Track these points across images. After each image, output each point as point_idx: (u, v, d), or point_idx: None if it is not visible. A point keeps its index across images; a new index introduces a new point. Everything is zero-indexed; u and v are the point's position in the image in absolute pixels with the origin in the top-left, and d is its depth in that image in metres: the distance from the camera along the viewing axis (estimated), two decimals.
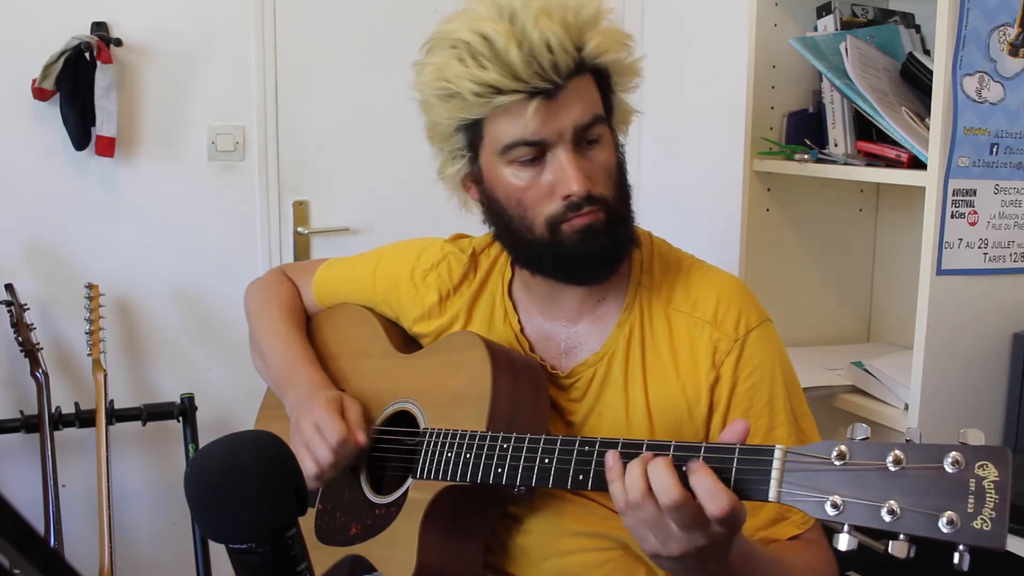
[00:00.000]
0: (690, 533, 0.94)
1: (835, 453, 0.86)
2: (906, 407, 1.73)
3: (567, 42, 1.15)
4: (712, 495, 0.91)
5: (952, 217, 1.64)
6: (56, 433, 2.32)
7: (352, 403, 1.32)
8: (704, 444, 0.96)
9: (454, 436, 1.19)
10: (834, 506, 0.85)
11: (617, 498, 0.98)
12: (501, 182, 1.22)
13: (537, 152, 1.18)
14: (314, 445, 1.26)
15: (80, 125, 2.40)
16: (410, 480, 1.25)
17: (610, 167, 1.22)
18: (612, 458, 1.00)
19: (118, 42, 2.43)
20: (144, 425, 2.46)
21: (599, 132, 1.20)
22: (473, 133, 1.22)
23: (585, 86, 1.19)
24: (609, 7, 1.21)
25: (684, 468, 0.94)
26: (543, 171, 1.19)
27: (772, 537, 1.19)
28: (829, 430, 1.95)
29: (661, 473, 0.94)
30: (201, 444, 2.35)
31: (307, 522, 1.36)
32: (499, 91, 1.14)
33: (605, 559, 1.23)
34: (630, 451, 1.01)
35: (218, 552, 2.20)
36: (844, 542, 0.85)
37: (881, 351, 2.07)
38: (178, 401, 2.49)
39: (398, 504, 1.25)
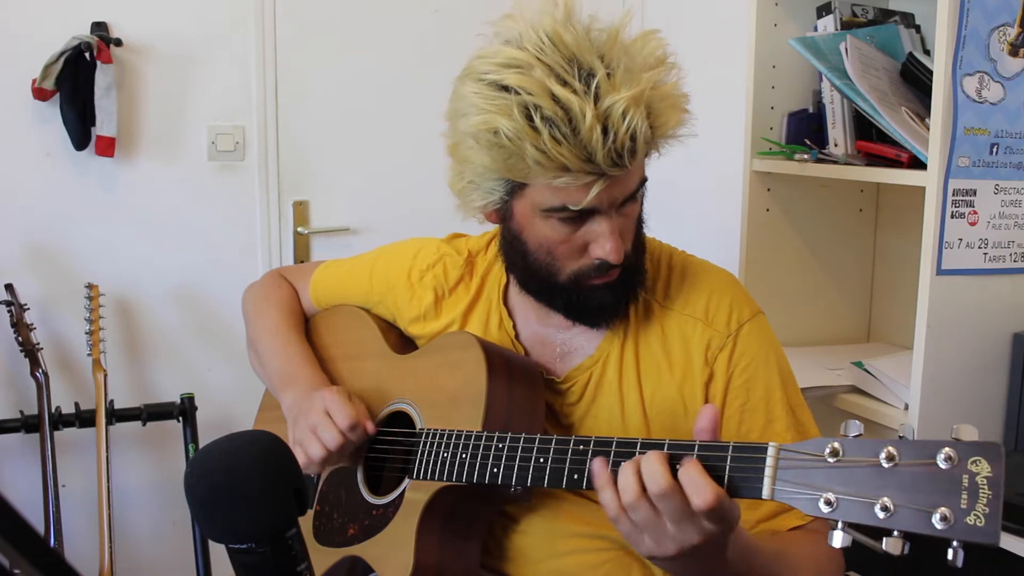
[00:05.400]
0: (682, 529, 0.94)
1: (828, 450, 0.87)
2: (906, 407, 1.73)
3: (648, 130, 1.10)
4: (697, 488, 0.91)
5: (952, 217, 1.64)
6: (56, 433, 2.32)
7: (357, 397, 1.33)
8: (697, 442, 0.96)
9: (450, 436, 1.19)
10: (828, 503, 0.85)
11: (608, 505, 0.98)
12: (533, 230, 1.18)
13: (580, 215, 1.14)
14: (322, 429, 1.26)
15: (80, 125, 2.40)
16: (407, 480, 1.25)
17: (638, 216, 1.22)
18: (599, 465, 0.99)
19: (118, 42, 2.43)
20: (144, 425, 2.46)
21: (641, 191, 1.19)
22: (514, 184, 1.16)
23: (642, 156, 1.15)
24: (676, 61, 1.15)
25: (677, 466, 0.94)
26: (580, 229, 1.15)
27: (774, 528, 1.18)
28: (829, 430, 1.95)
29: (652, 463, 0.94)
30: (201, 444, 2.35)
31: (305, 523, 1.36)
32: (567, 169, 1.07)
33: (602, 560, 1.23)
34: (624, 450, 1.01)
35: (218, 552, 2.19)
36: (839, 539, 0.85)
37: (881, 351, 2.07)
38: (178, 401, 2.49)
39: (395, 505, 1.25)
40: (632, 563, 1.23)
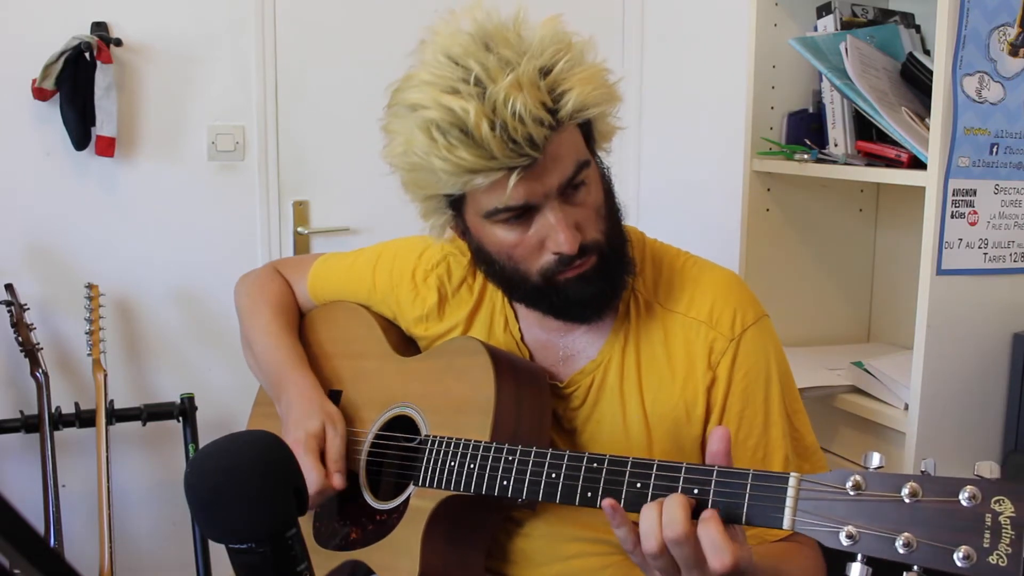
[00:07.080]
0: (692, 574, 0.94)
1: (850, 483, 0.86)
2: (906, 407, 1.73)
3: (542, 113, 1.07)
4: (716, 549, 0.91)
5: (952, 217, 1.64)
6: (56, 433, 2.32)
7: (334, 436, 1.29)
8: (717, 467, 0.95)
9: (457, 445, 1.18)
10: (849, 536, 0.85)
11: (624, 540, 0.97)
12: (489, 238, 1.18)
13: (523, 212, 1.14)
14: None
15: (80, 125, 2.40)
16: (411, 487, 1.24)
17: (598, 203, 1.18)
18: (610, 508, 0.98)
19: (118, 42, 2.43)
20: (144, 425, 2.46)
21: (585, 174, 1.15)
22: (453, 198, 1.18)
23: (566, 138, 1.12)
24: (580, 40, 1.14)
25: (695, 492, 0.94)
26: (531, 226, 1.14)
27: (762, 536, 1.18)
28: (829, 430, 1.95)
29: (673, 508, 0.93)
30: (201, 444, 2.35)
31: (304, 525, 1.35)
32: (475, 171, 1.08)
33: (605, 564, 1.23)
34: (639, 471, 1.00)
35: (218, 552, 2.19)
36: (857, 571, 0.85)
37: (881, 351, 2.07)
38: (178, 401, 2.49)
39: (399, 511, 1.24)
40: (634, 568, 1.22)
